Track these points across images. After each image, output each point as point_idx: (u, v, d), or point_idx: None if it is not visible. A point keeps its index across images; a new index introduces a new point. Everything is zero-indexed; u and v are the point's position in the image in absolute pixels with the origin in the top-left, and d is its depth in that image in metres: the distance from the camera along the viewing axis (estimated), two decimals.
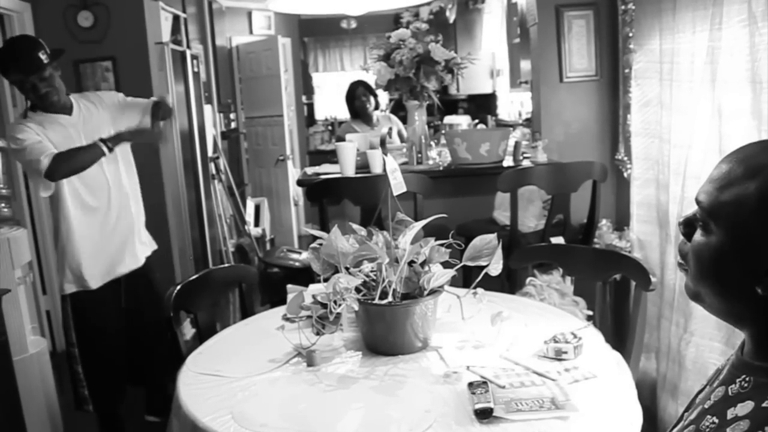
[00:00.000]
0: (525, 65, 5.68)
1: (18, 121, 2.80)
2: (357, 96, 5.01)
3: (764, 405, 0.81)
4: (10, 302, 2.86)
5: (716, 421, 0.85)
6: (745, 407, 0.83)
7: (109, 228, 2.91)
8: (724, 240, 0.86)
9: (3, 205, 3.01)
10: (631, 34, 3.26)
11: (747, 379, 0.87)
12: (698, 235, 0.90)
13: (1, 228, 2.99)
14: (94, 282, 2.90)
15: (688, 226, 0.92)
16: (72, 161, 2.68)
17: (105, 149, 2.74)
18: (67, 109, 2.82)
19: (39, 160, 2.61)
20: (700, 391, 1.01)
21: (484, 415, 1.39)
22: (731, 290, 0.87)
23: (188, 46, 4.91)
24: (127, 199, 2.97)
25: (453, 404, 1.48)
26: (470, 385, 1.50)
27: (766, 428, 0.78)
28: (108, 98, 3.00)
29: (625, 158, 3.45)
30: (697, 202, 0.90)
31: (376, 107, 5.11)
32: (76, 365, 2.95)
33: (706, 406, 0.91)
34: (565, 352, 1.69)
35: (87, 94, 3.01)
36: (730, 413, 0.84)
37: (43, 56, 2.66)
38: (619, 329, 2.75)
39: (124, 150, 2.96)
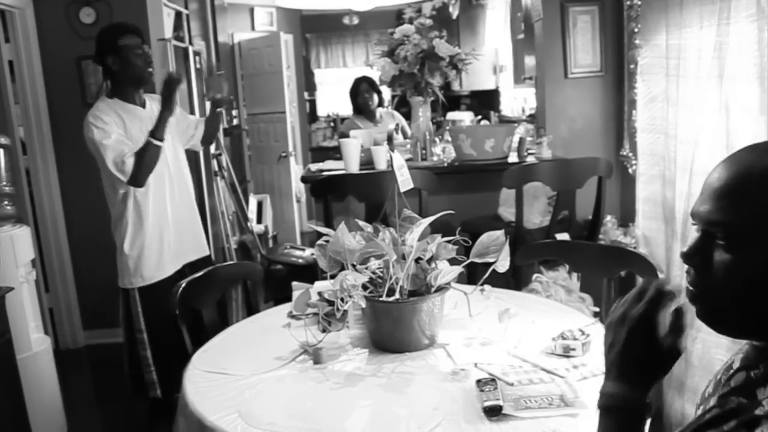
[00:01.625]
0: (529, 61, 5.66)
1: (98, 109, 2.76)
2: (360, 92, 5.00)
3: None
4: (13, 300, 2.86)
5: (744, 400, 0.85)
6: None
7: (173, 217, 2.94)
8: (758, 252, 0.83)
9: (6, 202, 3.00)
10: (636, 30, 3.25)
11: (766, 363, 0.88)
12: (723, 255, 0.87)
13: (3, 226, 2.98)
14: (161, 274, 2.91)
15: (698, 254, 0.89)
16: (147, 167, 2.73)
17: (158, 142, 2.75)
18: (142, 102, 2.90)
19: (124, 162, 2.68)
20: (708, 386, 1.02)
21: (494, 412, 1.38)
22: None
23: (190, 43, 4.90)
24: (187, 187, 3.06)
25: (461, 402, 1.46)
26: (478, 382, 1.49)
27: None
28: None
29: (631, 154, 3.44)
30: (715, 222, 0.87)
31: (380, 104, 5.10)
32: (144, 351, 2.92)
33: (725, 391, 0.91)
34: (574, 349, 1.68)
35: (154, 96, 3.01)
36: (761, 393, 0.84)
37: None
38: None
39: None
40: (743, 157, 0.88)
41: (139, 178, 2.72)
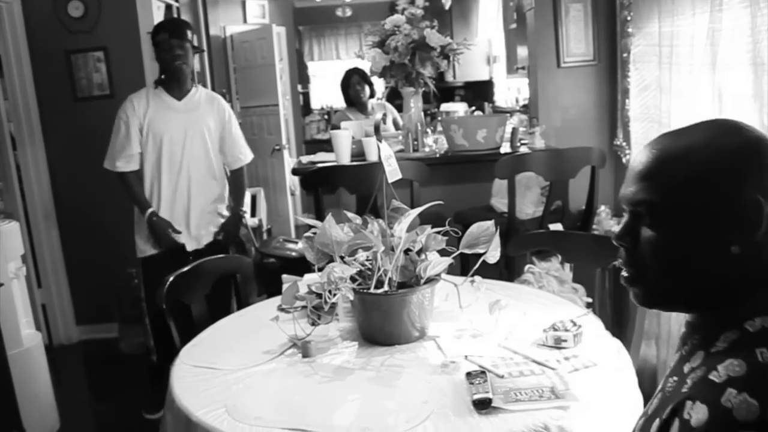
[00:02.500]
0: (522, 51, 5.63)
1: (136, 94, 3.17)
2: (351, 84, 4.96)
3: (712, 351, 0.86)
4: (3, 296, 2.84)
5: (675, 379, 0.90)
6: (697, 358, 0.88)
7: (180, 204, 3.21)
8: (687, 224, 0.89)
9: None
10: (629, 18, 3.22)
11: (696, 337, 0.93)
12: (648, 233, 0.92)
13: None
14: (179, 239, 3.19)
15: (629, 234, 0.94)
16: (125, 191, 3.20)
17: (144, 212, 3.14)
18: (182, 94, 3.20)
19: (112, 156, 3.13)
20: None
21: (483, 405, 1.36)
22: (707, 268, 0.90)
23: None
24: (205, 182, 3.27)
25: (451, 395, 1.45)
26: (468, 375, 1.48)
27: (718, 367, 0.82)
28: (224, 110, 3.33)
29: (624, 143, 3.42)
30: (639, 202, 0.92)
31: (372, 95, 5.06)
32: (145, 318, 3.36)
33: (667, 373, 0.96)
34: (565, 341, 1.66)
35: (213, 93, 3.40)
36: (686, 368, 0.89)
37: (189, 33, 3.14)
38: (619, 316, 2.72)
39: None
40: (660, 141, 0.94)
41: (119, 181, 3.18)
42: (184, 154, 3.16)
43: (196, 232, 3.25)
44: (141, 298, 3.28)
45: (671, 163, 0.90)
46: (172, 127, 3.13)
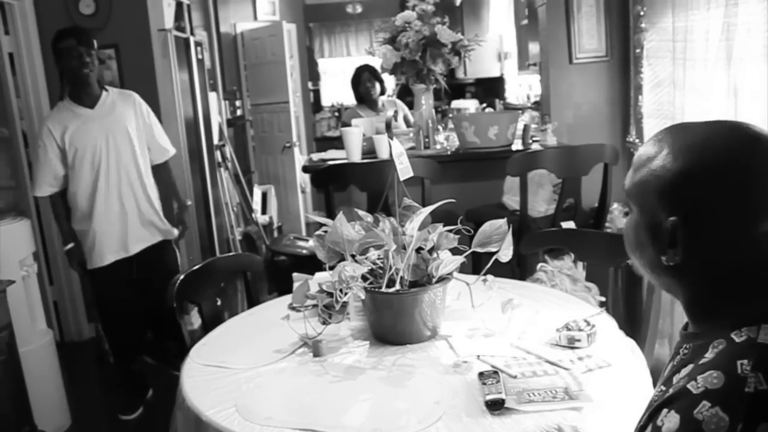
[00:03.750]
0: (533, 47, 5.59)
1: (49, 116, 3.14)
2: (362, 81, 4.94)
3: (701, 362, 0.86)
4: (14, 293, 2.84)
5: (663, 388, 0.90)
6: (686, 369, 0.88)
7: (114, 211, 3.14)
8: (638, 217, 0.96)
9: (6, 195, 2.98)
10: (642, 13, 3.19)
11: (686, 346, 0.94)
12: (629, 215, 1.01)
13: (3, 219, 2.96)
14: (106, 259, 3.17)
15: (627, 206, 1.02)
16: (54, 216, 3.24)
17: (64, 246, 3.19)
18: (92, 101, 3.11)
19: (38, 182, 3.09)
20: None
21: (496, 406, 1.34)
22: (651, 262, 0.96)
23: (192, 33, 4.85)
24: (134, 182, 3.19)
25: (463, 395, 1.43)
26: (481, 375, 1.46)
27: (698, 377, 0.82)
28: (140, 105, 3.27)
29: (637, 140, 3.39)
30: (624, 188, 0.99)
31: (382, 92, 5.04)
32: (98, 324, 3.46)
33: (659, 383, 0.96)
34: (579, 340, 1.64)
35: (126, 92, 3.28)
36: (675, 378, 0.89)
37: (94, 41, 3.07)
38: (632, 315, 2.69)
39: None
40: (660, 132, 0.97)
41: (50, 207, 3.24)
42: (110, 161, 3.09)
43: (139, 234, 3.21)
44: (93, 303, 3.40)
45: (647, 158, 0.94)
46: (92, 138, 3.05)
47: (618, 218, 3.40)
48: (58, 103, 3.16)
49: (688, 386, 0.82)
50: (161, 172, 3.36)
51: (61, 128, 3.04)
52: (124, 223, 3.15)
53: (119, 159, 3.11)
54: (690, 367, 0.87)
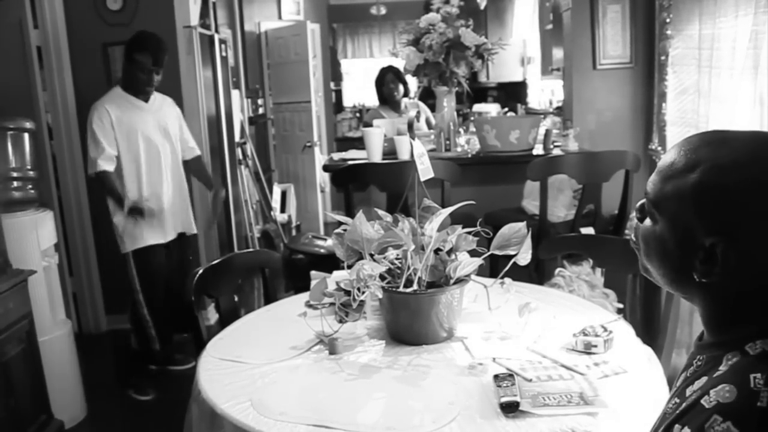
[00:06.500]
0: (557, 52, 5.57)
1: (106, 99, 3.34)
2: (386, 82, 4.95)
3: (715, 375, 0.84)
4: (35, 284, 2.88)
5: (677, 401, 0.89)
6: (699, 382, 0.87)
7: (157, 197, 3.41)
8: (666, 229, 0.91)
9: (30, 186, 3.02)
10: (668, 20, 3.16)
11: (700, 358, 0.93)
12: (646, 221, 0.96)
13: (26, 210, 3.00)
14: (146, 241, 3.40)
15: (641, 211, 0.98)
16: (106, 190, 3.35)
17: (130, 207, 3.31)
18: (146, 97, 3.41)
19: (96, 161, 3.25)
20: None
21: (510, 409, 1.34)
22: (674, 274, 0.93)
23: (216, 31, 4.89)
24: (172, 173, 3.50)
25: (478, 397, 1.43)
26: (496, 377, 1.46)
27: (711, 391, 0.81)
28: (176, 108, 3.63)
29: (659, 148, 3.36)
30: (645, 192, 0.96)
31: (406, 94, 5.05)
32: (142, 309, 3.49)
33: (671, 394, 0.96)
34: (595, 346, 1.63)
35: (164, 96, 3.58)
36: (689, 391, 0.87)
37: (165, 59, 3.35)
38: (650, 323, 2.67)
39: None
40: (689, 140, 0.93)
41: (100, 182, 3.34)
42: (159, 151, 3.39)
43: (174, 223, 3.49)
44: (136, 290, 3.47)
45: (681, 168, 0.90)
46: (145, 128, 3.36)
47: None
48: (113, 90, 3.40)
49: (702, 401, 0.81)
50: (197, 165, 3.69)
51: (118, 112, 3.30)
52: (163, 210, 3.40)
53: (164, 151, 3.42)
54: (703, 380, 0.86)
